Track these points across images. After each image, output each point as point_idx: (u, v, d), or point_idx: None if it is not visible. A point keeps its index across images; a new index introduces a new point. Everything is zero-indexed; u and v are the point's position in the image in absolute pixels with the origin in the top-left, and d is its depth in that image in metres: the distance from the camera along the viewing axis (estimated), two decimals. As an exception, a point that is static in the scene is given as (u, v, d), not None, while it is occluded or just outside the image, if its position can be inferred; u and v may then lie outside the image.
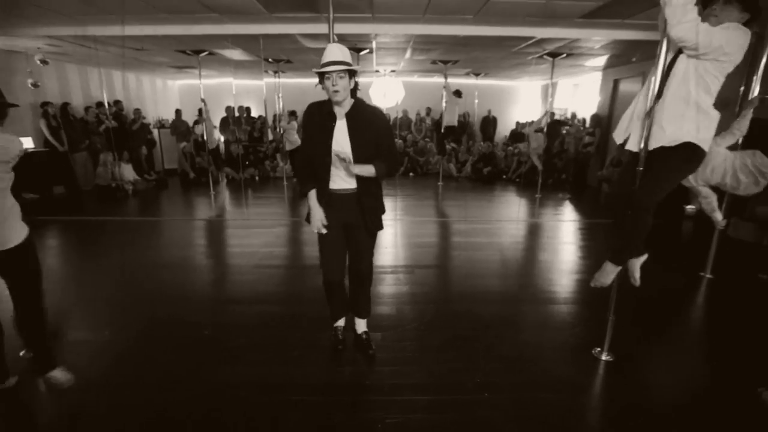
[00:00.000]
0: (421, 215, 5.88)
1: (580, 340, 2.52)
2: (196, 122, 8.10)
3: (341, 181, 2.06)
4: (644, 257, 2.27)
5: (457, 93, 8.21)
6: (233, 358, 2.33)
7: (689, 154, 1.99)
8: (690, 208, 5.76)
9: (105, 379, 2.17)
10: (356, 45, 6.06)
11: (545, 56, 6.63)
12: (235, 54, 6.79)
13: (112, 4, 4.08)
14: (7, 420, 1.93)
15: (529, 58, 6.96)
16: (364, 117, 1.99)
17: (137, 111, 8.41)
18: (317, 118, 2.03)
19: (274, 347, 2.43)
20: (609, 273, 2.25)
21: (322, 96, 2.03)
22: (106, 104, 7.31)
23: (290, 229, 5.11)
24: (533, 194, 7.04)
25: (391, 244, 4.50)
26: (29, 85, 6.52)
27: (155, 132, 9.21)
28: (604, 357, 2.31)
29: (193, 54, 6.51)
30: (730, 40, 1.79)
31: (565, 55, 6.46)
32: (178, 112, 9.17)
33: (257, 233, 4.90)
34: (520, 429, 1.83)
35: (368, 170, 1.98)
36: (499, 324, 2.72)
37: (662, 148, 1.98)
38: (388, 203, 6.62)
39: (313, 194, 2.10)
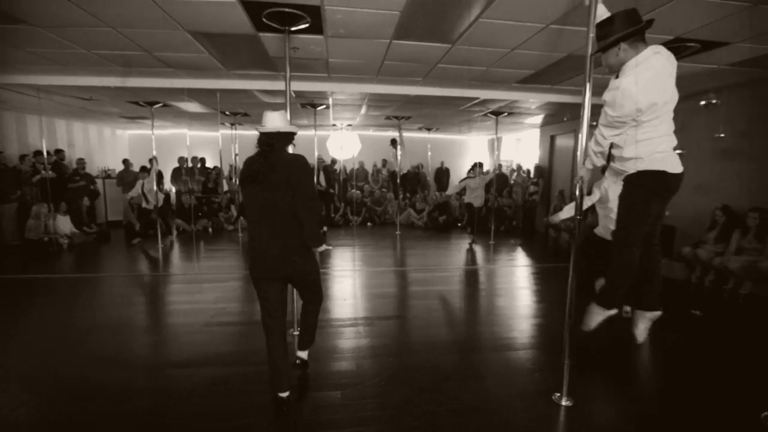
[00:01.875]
0: (380, 265, 5.89)
1: (540, 386, 2.54)
2: (143, 168, 7.73)
3: (267, 234, 2.16)
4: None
5: (393, 142, 8.57)
6: (178, 430, 2.09)
7: None
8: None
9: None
10: (313, 101, 6.31)
11: (489, 114, 7.27)
12: (191, 106, 6.80)
13: (59, 55, 4.00)
14: None
15: (475, 115, 7.58)
16: (282, 166, 2.11)
17: (80, 161, 7.99)
18: (247, 174, 2.16)
19: (222, 416, 2.22)
20: (594, 314, 2.32)
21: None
22: (45, 153, 6.88)
23: (246, 282, 4.89)
24: (487, 241, 7.32)
25: (350, 296, 4.42)
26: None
27: (99, 182, 8.73)
28: (563, 402, 2.34)
29: (147, 105, 6.43)
30: (613, 109, 2.05)
31: (506, 113, 7.12)
32: (125, 162, 8.84)
33: (209, 288, 4.63)
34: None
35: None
36: (460, 375, 2.69)
37: None
38: (347, 253, 6.61)
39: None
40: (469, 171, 7.90)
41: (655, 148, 2.07)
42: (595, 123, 2.25)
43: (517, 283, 5.13)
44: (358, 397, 2.40)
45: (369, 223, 9.51)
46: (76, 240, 6.90)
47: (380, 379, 2.61)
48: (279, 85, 4.82)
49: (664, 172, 2.08)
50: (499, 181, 8.95)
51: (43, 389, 2.51)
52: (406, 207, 9.66)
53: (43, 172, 6.84)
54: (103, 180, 8.87)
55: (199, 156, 9.78)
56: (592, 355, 2.99)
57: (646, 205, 2.16)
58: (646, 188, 2.13)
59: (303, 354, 2.68)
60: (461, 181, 7.62)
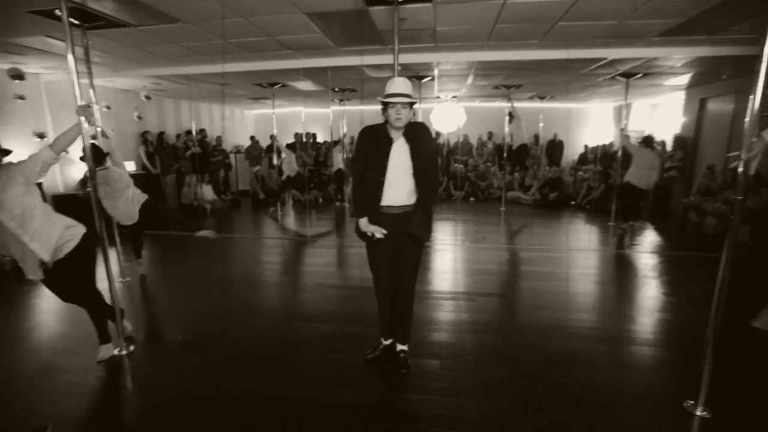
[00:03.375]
0: (483, 241, 5.72)
1: (667, 389, 2.24)
2: (268, 148, 8.74)
3: (395, 199, 2.21)
4: None
5: (510, 116, 7.91)
6: (294, 374, 2.40)
7: None
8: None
9: (167, 375, 2.34)
10: (418, 73, 6.23)
11: (618, 77, 6.28)
12: (305, 85, 7.31)
13: (204, 47, 4.63)
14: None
15: (599, 79, 6.63)
16: (418, 134, 2.21)
17: (219, 138, 9.33)
18: (372, 140, 2.21)
19: (334, 367, 2.46)
20: None
21: (379, 121, 2.24)
22: (193, 132, 8.23)
23: (350, 250, 5.24)
24: (606, 222, 6.54)
25: (450, 270, 4.41)
26: (135, 118, 7.56)
27: (231, 157, 10.12)
28: (698, 412, 2.02)
29: (268, 86, 7.13)
30: None
31: (640, 75, 6.06)
32: (252, 138, 10.00)
33: (319, 253, 5.08)
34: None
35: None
36: (568, 362, 2.51)
37: None
38: (449, 227, 6.57)
39: (365, 219, 2.28)
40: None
41: None
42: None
43: (641, 271, 4.50)
44: (458, 369, 2.43)
45: (472, 198, 9.25)
46: (216, 206, 8.18)
47: (480, 355, 2.59)
48: (386, 59, 4.86)
49: None
50: (626, 156, 7.80)
51: (196, 325, 3.10)
52: (514, 183, 9.11)
53: (192, 148, 8.20)
54: (234, 155, 10.25)
55: (312, 132, 10.58)
56: (740, 364, 2.51)
57: None
58: None
59: (403, 346, 2.47)
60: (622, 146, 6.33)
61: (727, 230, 1.93)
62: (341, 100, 8.59)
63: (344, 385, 2.28)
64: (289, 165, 7.83)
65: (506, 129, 7.87)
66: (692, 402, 2.06)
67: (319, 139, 10.79)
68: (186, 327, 3.07)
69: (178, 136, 8.66)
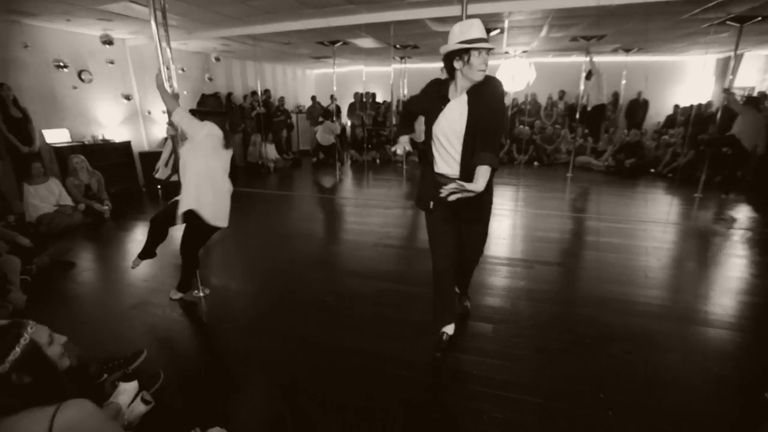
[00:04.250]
0: (545, 208, 5.43)
1: (745, 377, 2.05)
2: (327, 109, 8.85)
3: (450, 165, 2.00)
4: None
5: (589, 74, 7.09)
6: (349, 326, 2.54)
7: None
8: None
9: (236, 322, 2.60)
10: (487, 25, 5.78)
11: (729, 22, 5.32)
12: (366, 42, 7.15)
13: (269, 4, 4.66)
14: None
15: (704, 25, 5.67)
16: (485, 91, 1.87)
17: (281, 99, 9.58)
18: (432, 97, 2.00)
19: (388, 323, 2.57)
20: None
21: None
22: (259, 92, 8.52)
23: (407, 211, 5.27)
24: (691, 193, 5.86)
25: (508, 236, 4.28)
26: (206, 79, 7.98)
27: (293, 117, 10.39)
28: (782, 402, 1.84)
29: (330, 44, 7.08)
30: None
31: (759, 18, 5.07)
32: (313, 98, 10.14)
33: (376, 213, 5.18)
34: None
35: (483, 177, 1.77)
36: (632, 338, 2.38)
37: None
38: (509, 192, 6.31)
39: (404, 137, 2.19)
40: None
41: None
42: None
43: (728, 249, 4.01)
44: (511, 335, 2.41)
45: (536, 163, 8.73)
46: (279, 164, 8.56)
47: (535, 323, 2.54)
48: (453, 11, 4.56)
49: None
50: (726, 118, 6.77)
51: (262, 275, 3.37)
52: (586, 148, 8.41)
53: (257, 108, 8.53)
54: (296, 115, 10.50)
55: (372, 91, 10.45)
56: None
57: None
58: None
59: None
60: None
61: None
62: (402, 58, 8.32)
63: (396, 339, 2.38)
64: (323, 133, 7.80)
65: (581, 88, 7.15)
66: (777, 393, 1.87)
67: (379, 99, 10.65)
68: (252, 277, 3.36)
69: (245, 96, 9.03)
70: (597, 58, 6.93)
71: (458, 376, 2.09)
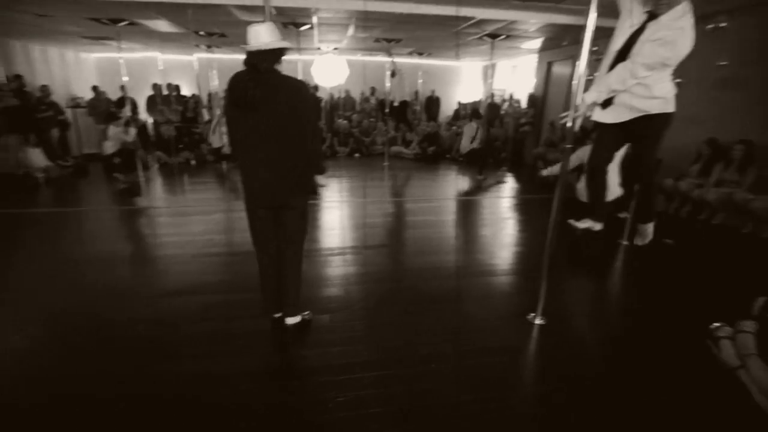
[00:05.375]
0: (368, 195, 5.89)
1: (518, 308, 2.71)
2: (119, 101, 7.31)
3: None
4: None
5: (393, 74, 8.09)
6: (175, 353, 2.21)
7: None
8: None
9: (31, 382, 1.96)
10: (296, 20, 5.79)
11: (485, 37, 6.80)
12: (161, 25, 6.19)
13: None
14: None
15: (470, 38, 7.10)
16: (283, 91, 1.98)
17: (44, 88, 7.42)
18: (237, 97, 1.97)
19: (217, 338, 2.34)
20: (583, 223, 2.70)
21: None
22: (4, 78, 6.37)
23: (231, 214, 4.88)
24: (476, 173, 7.32)
25: (338, 226, 4.47)
26: None
27: (68, 112, 8.22)
28: (537, 321, 2.51)
29: (111, 23, 5.84)
30: (668, 47, 2.00)
31: (504, 36, 6.67)
32: (95, 89, 8.25)
33: (195, 221, 4.62)
34: (463, 392, 1.94)
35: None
36: (443, 298, 2.84)
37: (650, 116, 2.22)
38: (334, 184, 6.57)
39: None
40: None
41: (671, 90, 2.20)
42: (596, 48, 2.13)
43: (502, 213, 5.23)
44: (347, 320, 2.54)
45: (356, 154, 9.34)
46: (52, 174, 6.66)
47: (367, 303, 2.75)
48: (256, 0, 4.37)
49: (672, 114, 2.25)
50: (491, 112, 8.69)
51: (46, 320, 2.58)
52: (398, 139, 9.45)
53: (5, 100, 6.38)
54: (72, 109, 8.34)
55: (174, 83, 9.15)
56: (568, 281, 3.16)
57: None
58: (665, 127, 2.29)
59: (293, 320, 2.37)
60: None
61: (559, 175, 2.32)
62: (209, 46, 7.57)
63: (233, 355, 2.20)
64: (113, 138, 6.29)
65: (387, 84, 7.99)
66: (533, 314, 2.54)
67: (185, 92, 9.43)
68: (32, 324, 2.54)
69: (-22, 83, 6.61)
70: (398, 59, 7.85)
71: (299, 374, 2.08)
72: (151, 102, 8.55)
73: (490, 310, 2.71)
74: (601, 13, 2.00)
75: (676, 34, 1.97)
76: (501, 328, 2.50)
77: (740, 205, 4.17)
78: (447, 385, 1.99)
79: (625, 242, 3.91)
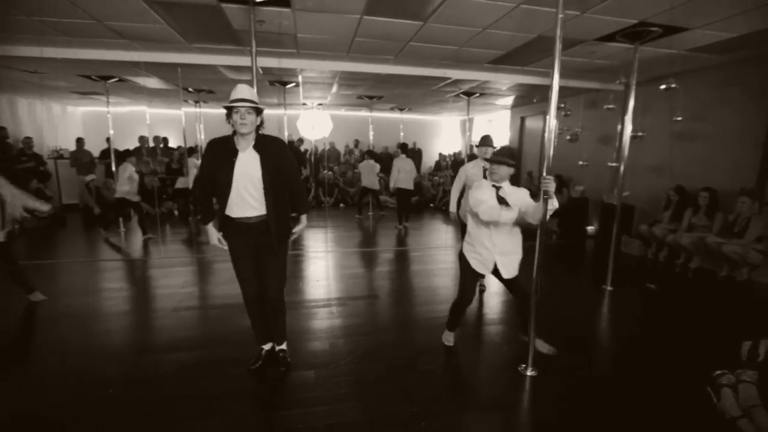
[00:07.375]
0: (353, 246, 5.88)
1: (507, 359, 2.65)
2: (104, 153, 7.31)
3: (247, 209, 2.20)
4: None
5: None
6: (144, 418, 2.05)
7: None
8: (590, 228, 6.53)
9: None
10: (282, 78, 6.09)
11: (461, 95, 7.27)
12: (151, 82, 6.41)
13: (3, 22, 3.65)
14: None
15: (447, 96, 7.56)
16: (270, 147, 2.22)
17: (27, 140, 7.40)
18: (219, 153, 2.18)
19: (194, 400, 2.19)
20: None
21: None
22: (-14, 132, 6.35)
23: (215, 265, 4.77)
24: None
25: (323, 277, 4.41)
26: None
27: (51, 163, 8.15)
28: (528, 372, 2.46)
29: (100, 80, 6.01)
30: None
31: (478, 94, 7.15)
32: (79, 141, 8.26)
33: (176, 272, 4.48)
34: (457, 455, 1.84)
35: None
36: (431, 350, 2.76)
37: None
38: (320, 235, 6.56)
39: (211, 225, 2.34)
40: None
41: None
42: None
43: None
44: (332, 376, 2.43)
45: (341, 204, 9.43)
46: (29, 224, 6.47)
47: (353, 357, 2.65)
48: (245, 61, 4.60)
49: None
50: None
51: (15, 378, 2.38)
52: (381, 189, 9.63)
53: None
54: (54, 160, 8.29)
55: (162, 135, 9.29)
56: (554, 330, 3.14)
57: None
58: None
59: (281, 346, 2.53)
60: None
61: (541, 222, 2.40)
62: (197, 101, 7.80)
63: (214, 415, 2.05)
64: (127, 181, 6.23)
65: (371, 136, 8.30)
66: (524, 365, 2.49)
67: (172, 144, 9.56)
68: (6, 381, 2.33)
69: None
70: (379, 114, 8.22)
71: (283, 437, 1.94)
72: (138, 153, 8.58)
73: (481, 362, 2.65)
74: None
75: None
76: (492, 381, 2.43)
77: (713, 249, 4.35)
78: (439, 445, 1.89)
79: (609, 288, 3.97)
